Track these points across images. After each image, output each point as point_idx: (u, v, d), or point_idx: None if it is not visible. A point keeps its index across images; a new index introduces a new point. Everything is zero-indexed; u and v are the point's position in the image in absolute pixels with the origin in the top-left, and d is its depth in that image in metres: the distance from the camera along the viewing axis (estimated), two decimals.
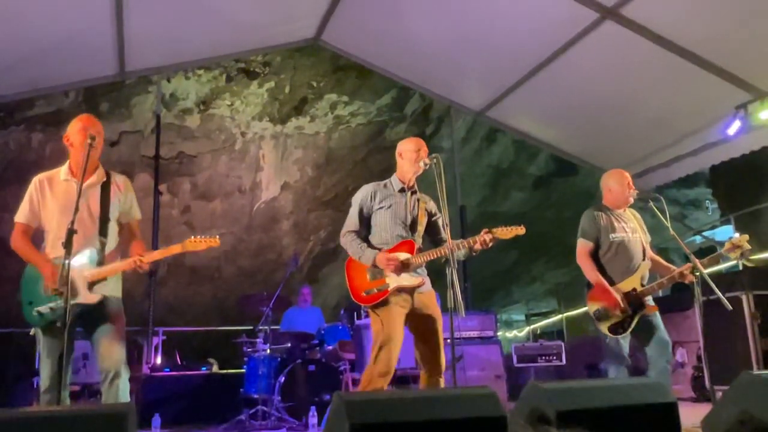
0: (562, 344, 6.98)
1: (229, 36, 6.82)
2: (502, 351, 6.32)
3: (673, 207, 12.24)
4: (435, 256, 3.40)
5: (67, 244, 2.72)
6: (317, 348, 6.01)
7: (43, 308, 2.98)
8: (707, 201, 12.73)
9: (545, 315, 15.03)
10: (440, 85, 7.62)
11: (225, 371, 6.77)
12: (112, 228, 3.22)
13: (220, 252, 10.09)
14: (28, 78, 6.22)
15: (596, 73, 6.19)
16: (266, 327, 5.78)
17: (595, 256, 3.93)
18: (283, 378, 5.52)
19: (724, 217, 10.54)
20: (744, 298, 5.39)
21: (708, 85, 5.71)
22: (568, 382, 2.01)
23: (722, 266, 7.18)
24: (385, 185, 3.63)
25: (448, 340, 3.38)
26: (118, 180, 3.33)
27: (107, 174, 3.29)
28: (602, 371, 3.92)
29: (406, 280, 3.38)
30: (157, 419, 5.07)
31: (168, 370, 6.48)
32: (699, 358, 6.31)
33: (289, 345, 6.05)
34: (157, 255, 3.15)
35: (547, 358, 6.80)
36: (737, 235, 3.67)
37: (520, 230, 3.42)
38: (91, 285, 3.03)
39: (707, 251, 8.12)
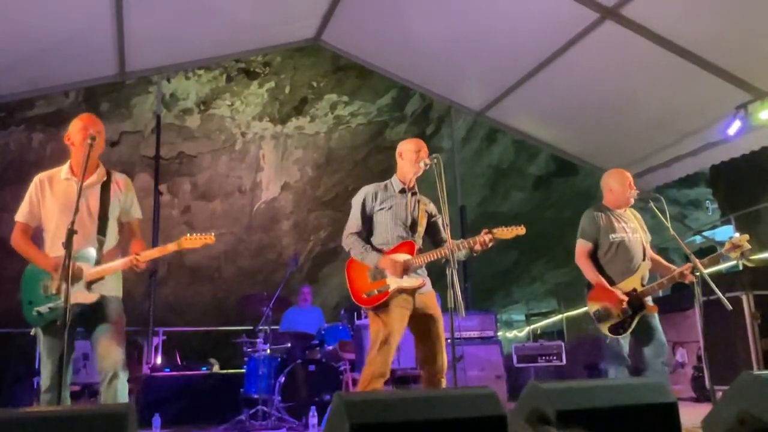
0: (562, 344, 6.98)
1: (230, 36, 6.82)
2: (502, 351, 6.32)
3: (673, 207, 12.24)
4: (435, 257, 3.40)
5: (68, 245, 2.72)
6: (317, 348, 6.00)
7: (43, 308, 2.98)
8: (707, 201, 12.73)
9: (545, 315, 15.02)
10: (440, 85, 7.62)
11: (225, 371, 6.78)
12: (112, 227, 3.22)
13: (220, 252, 10.09)
14: (28, 78, 6.22)
15: (596, 73, 6.19)
16: (266, 327, 5.77)
17: (595, 256, 3.93)
18: (284, 378, 5.52)
19: (724, 217, 10.55)
20: (744, 298, 5.39)
21: (708, 85, 5.71)
22: (568, 382, 2.01)
23: (722, 266, 7.17)
24: (385, 186, 3.63)
25: (449, 340, 3.39)
26: (119, 179, 3.33)
27: (108, 173, 3.29)
28: (602, 371, 3.92)
29: (407, 281, 3.38)
30: (157, 419, 5.06)
31: (168, 370, 6.48)
32: (699, 358, 6.32)
33: (290, 345, 6.05)
34: (153, 254, 3.13)
35: (547, 358, 6.80)
36: (737, 234, 3.67)
37: (520, 230, 3.42)
38: (89, 284, 3.02)
39: (707, 251, 8.11)
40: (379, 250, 3.46)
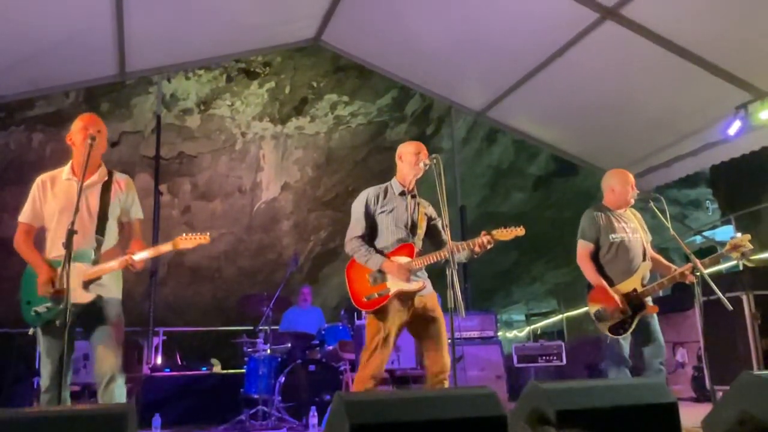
0: (563, 344, 6.98)
1: (230, 36, 6.83)
2: (502, 351, 6.32)
3: (673, 207, 12.24)
4: (435, 259, 3.39)
5: (68, 245, 2.73)
6: (317, 348, 6.00)
7: (40, 308, 2.98)
8: (708, 201, 12.73)
9: (545, 315, 15.03)
10: (440, 85, 7.62)
11: (225, 371, 6.78)
12: (111, 227, 3.22)
13: (220, 252, 10.10)
14: (28, 78, 6.22)
15: (596, 73, 6.19)
16: (266, 327, 5.78)
17: (595, 256, 3.92)
18: (284, 378, 5.52)
19: (724, 218, 10.55)
20: (744, 298, 5.38)
21: (708, 85, 5.70)
22: (568, 382, 2.01)
23: (722, 266, 7.18)
24: (385, 189, 3.63)
25: (449, 341, 3.38)
26: (120, 179, 3.32)
27: (109, 173, 3.29)
28: (602, 371, 3.92)
29: (407, 285, 3.37)
30: (157, 419, 5.06)
31: (168, 370, 6.48)
32: (699, 358, 6.31)
33: (290, 345, 6.05)
34: (146, 254, 3.12)
35: (547, 358, 6.80)
36: (739, 234, 3.66)
37: (520, 231, 3.40)
38: (86, 284, 3.01)
39: (707, 251, 8.12)
40: (382, 254, 3.46)
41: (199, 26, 6.38)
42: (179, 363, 7.08)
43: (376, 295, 3.37)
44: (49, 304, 2.96)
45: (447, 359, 3.38)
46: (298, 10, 6.69)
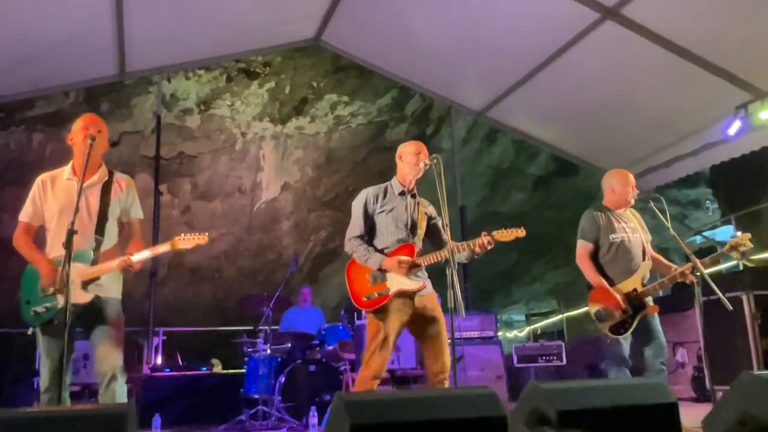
0: (563, 344, 6.97)
1: (230, 36, 6.82)
2: (502, 351, 6.32)
3: (673, 207, 12.24)
4: (436, 259, 3.39)
5: (68, 245, 2.73)
6: (317, 348, 6.00)
7: (39, 308, 2.98)
8: (708, 201, 12.73)
9: (545, 315, 15.02)
10: (440, 85, 7.62)
11: (225, 371, 6.77)
12: (111, 227, 3.22)
13: (220, 252, 10.10)
14: (28, 78, 6.22)
15: (596, 73, 6.19)
16: (266, 327, 5.78)
17: (595, 257, 3.92)
18: (284, 378, 5.52)
19: (724, 218, 10.56)
20: (744, 298, 5.38)
21: (708, 85, 5.71)
22: (568, 382, 2.01)
23: (722, 266, 7.18)
24: (385, 189, 3.63)
25: (449, 341, 3.38)
26: (120, 179, 3.32)
27: (110, 173, 3.29)
28: (602, 371, 3.92)
29: (407, 284, 3.37)
30: (157, 419, 5.06)
31: (168, 370, 6.48)
32: (699, 358, 6.32)
33: (290, 345, 6.05)
34: (144, 254, 3.11)
35: (547, 358, 6.80)
36: (739, 233, 3.66)
37: (520, 233, 3.39)
38: (85, 284, 3.01)
39: (707, 251, 8.11)
40: (382, 253, 3.46)
41: (199, 26, 6.37)
42: (180, 363, 7.07)
43: (376, 295, 3.37)
44: (48, 304, 2.97)
45: (447, 359, 3.38)
46: (298, 10, 6.69)
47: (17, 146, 8.35)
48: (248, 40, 7.13)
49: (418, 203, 3.63)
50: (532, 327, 14.84)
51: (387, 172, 3.79)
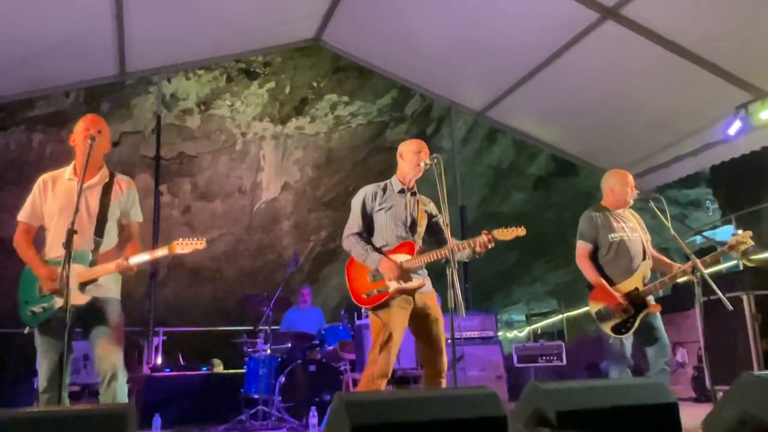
0: (563, 344, 6.98)
1: (230, 36, 6.83)
2: (502, 351, 6.32)
3: (673, 207, 12.24)
4: (436, 257, 3.39)
5: (68, 245, 2.72)
6: (318, 348, 6.00)
7: (36, 308, 2.98)
8: (708, 201, 12.73)
9: (546, 315, 15.03)
10: (441, 85, 7.62)
11: (225, 371, 6.78)
12: (110, 228, 3.21)
13: (220, 252, 10.09)
14: (28, 78, 6.22)
15: (596, 73, 6.19)
16: (267, 327, 5.78)
17: (595, 257, 3.92)
18: (284, 378, 5.52)
19: (724, 218, 10.55)
20: (745, 298, 5.38)
21: (708, 85, 5.70)
22: (568, 382, 2.01)
23: (723, 266, 7.18)
24: (384, 186, 3.63)
25: (449, 341, 3.38)
26: (121, 181, 3.32)
27: (111, 174, 3.28)
28: (603, 371, 3.91)
29: (407, 282, 3.37)
30: (157, 419, 5.06)
31: (168, 370, 6.48)
32: (699, 359, 6.31)
33: (290, 345, 6.05)
34: (142, 257, 3.10)
35: (547, 358, 6.80)
36: (740, 232, 3.66)
37: (520, 232, 3.39)
38: (83, 285, 3.01)
39: (708, 251, 8.10)
40: (380, 251, 3.46)
41: (199, 26, 6.38)
42: (181, 363, 7.07)
43: (376, 292, 3.37)
44: (44, 304, 2.97)
45: (445, 359, 3.38)
46: (298, 10, 6.69)
47: (17, 146, 8.34)
48: (248, 40, 7.13)
49: (418, 201, 3.63)
50: (533, 327, 14.84)
51: (387, 172, 3.79)
